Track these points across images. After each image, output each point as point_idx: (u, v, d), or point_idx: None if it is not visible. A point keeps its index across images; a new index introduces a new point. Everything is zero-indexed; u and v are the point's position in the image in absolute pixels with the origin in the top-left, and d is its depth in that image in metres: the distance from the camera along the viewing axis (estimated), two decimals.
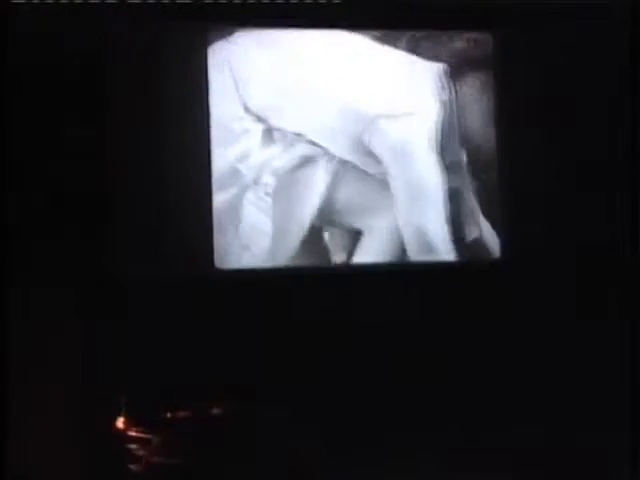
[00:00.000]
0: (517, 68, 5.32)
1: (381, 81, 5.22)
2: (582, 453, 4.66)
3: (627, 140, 4.76)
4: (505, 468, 4.58)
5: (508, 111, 5.33)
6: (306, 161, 5.10)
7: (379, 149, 5.17)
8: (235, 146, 5.04)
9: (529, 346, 5.14)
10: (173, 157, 4.91)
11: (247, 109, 5.05)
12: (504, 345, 5.13)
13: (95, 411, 4.61)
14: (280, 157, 5.08)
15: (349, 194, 5.16)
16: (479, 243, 5.35)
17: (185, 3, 4.81)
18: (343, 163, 5.15)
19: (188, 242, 4.92)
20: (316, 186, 5.11)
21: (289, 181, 5.10)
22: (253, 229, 5.05)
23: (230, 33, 5.06)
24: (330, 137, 5.13)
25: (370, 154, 5.18)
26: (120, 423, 4.52)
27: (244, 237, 5.04)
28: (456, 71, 5.29)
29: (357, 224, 5.22)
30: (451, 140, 5.26)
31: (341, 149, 5.15)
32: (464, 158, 5.29)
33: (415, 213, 5.22)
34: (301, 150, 5.10)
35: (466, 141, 5.30)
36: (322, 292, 5.00)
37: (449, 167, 5.26)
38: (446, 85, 5.27)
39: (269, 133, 5.07)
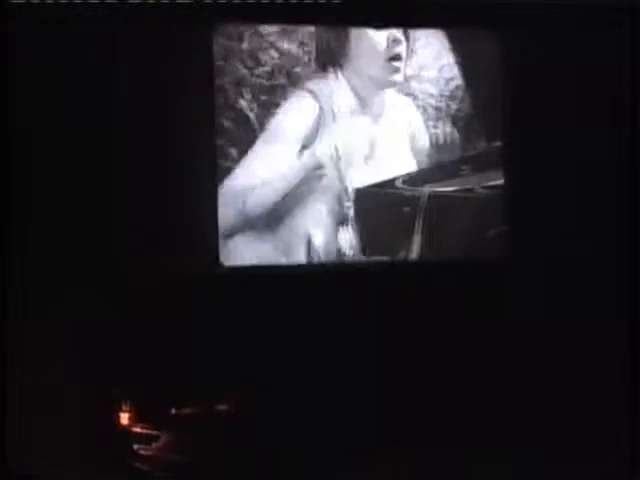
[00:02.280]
0: (517, 68, 5.34)
1: None
2: (582, 453, 4.68)
3: (628, 140, 4.79)
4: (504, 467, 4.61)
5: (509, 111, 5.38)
6: None
7: None
8: None
9: (530, 346, 5.17)
10: (178, 154, 4.91)
11: None
12: (505, 344, 5.16)
13: (99, 408, 4.62)
14: None
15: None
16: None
17: (186, 3, 4.80)
18: None
19: (194, 239, 4.93)
20: None
21: None
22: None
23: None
24: None
25: None
26: (124, 420, 4.54)
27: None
28: None
29: None
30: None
31: None
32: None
33: None
34: None
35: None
36: (324, 291, 5.01)
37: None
38: None
39: None
